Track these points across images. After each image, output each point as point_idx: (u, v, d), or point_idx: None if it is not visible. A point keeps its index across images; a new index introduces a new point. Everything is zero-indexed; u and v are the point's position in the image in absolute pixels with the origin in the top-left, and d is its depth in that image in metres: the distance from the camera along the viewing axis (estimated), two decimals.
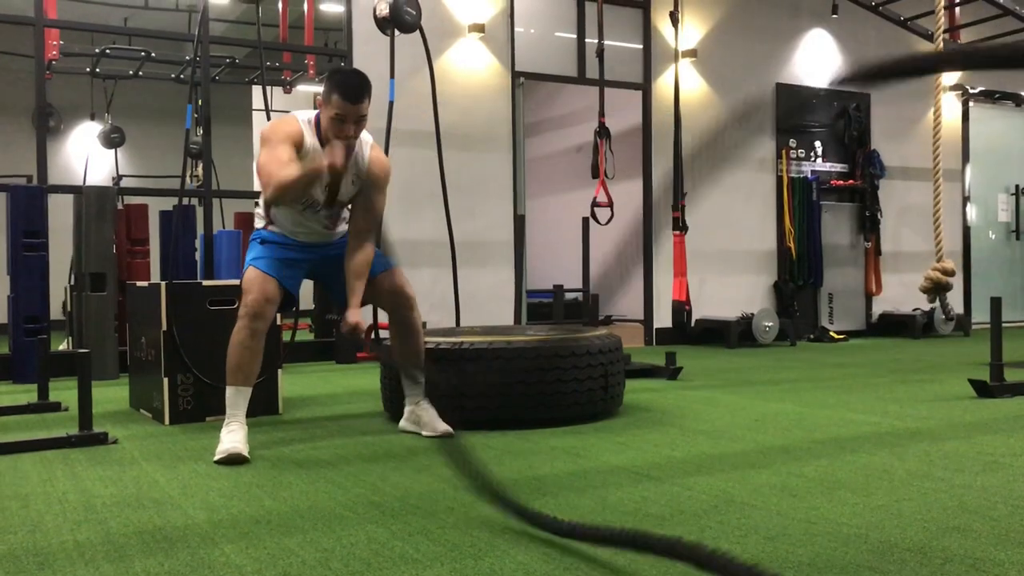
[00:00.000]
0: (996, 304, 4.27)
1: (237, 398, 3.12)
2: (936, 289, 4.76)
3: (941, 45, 4.98)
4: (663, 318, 7.49)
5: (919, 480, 2.55)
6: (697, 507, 2.29)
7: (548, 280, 8.06)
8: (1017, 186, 9.48)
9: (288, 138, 3.09)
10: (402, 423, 3.44)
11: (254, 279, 3.14)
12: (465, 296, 5.91)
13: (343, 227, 3.38)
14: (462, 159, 6.60)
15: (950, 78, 8.98)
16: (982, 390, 4.18)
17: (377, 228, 3.32)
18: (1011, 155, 9.58)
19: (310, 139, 3.14)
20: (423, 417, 3.34)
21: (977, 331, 8.33)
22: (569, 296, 7.89)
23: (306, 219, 3.26)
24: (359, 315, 3.17)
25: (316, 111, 3.21)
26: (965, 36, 8.41)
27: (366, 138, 3.27)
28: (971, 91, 9.11)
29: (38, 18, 5.66)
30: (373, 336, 6.00)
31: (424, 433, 3.30)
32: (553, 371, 3.45)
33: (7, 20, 6.13)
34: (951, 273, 4.73)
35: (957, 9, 8.07)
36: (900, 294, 8.48)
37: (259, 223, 3.33)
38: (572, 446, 3.11)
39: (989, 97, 9.28)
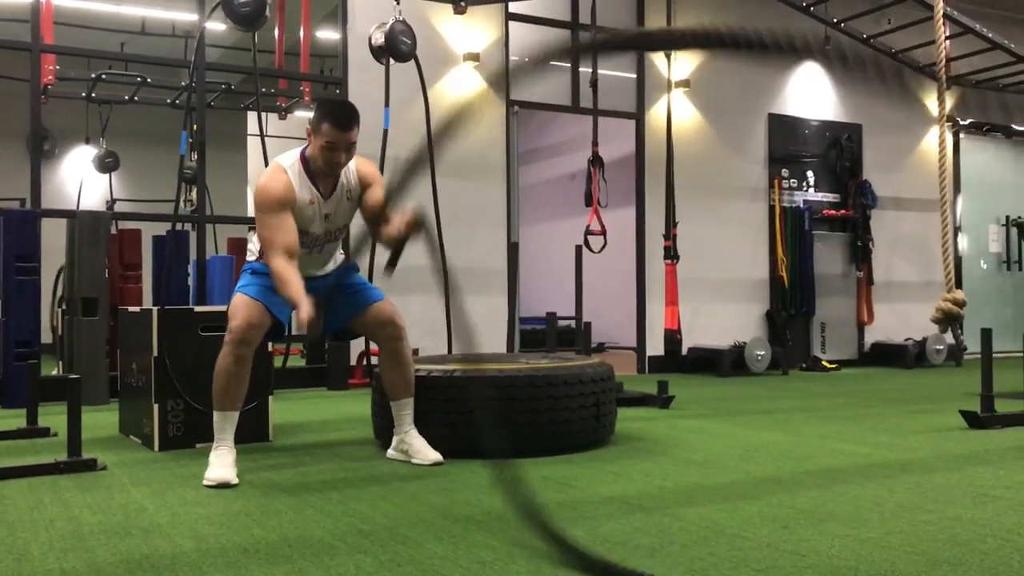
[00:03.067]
0: (987, 335, 4.29)
1: (224, 423, 3.13)
2: (948, 319, 4.77)
3: (944, 78, 5.01)
4: (656, 346, 7.49)
5: (909, 512, 2.54)
6: (687, 538, 2.28)
7: (541, 307, 8.06)
8: (1008, 217, 9.54)
9: (280, 203, 3.14)
10: (390, 452, 3.44)
11: (240, 305, 3.16)
12: (458, 323, 5.91)
13: (336, 259, 3.46)
14: (456, 187, 6.62)
15: None
16: (973, 421, 4.18)
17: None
18: (1001, 186, 9.65)
19: (298, 185, 3.21)
20: (414, 445, 3.34)
21: (968, 361, 8.33)
22: (562, 324, 7.89)
23: (304, 257, 3.29)
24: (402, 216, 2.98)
25: (300, 149, 3.27)
26: (955, 68, 8.49)
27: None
28: (962, 123, 9.19)
29: (35, 43, 5.68)
30: (366, 362, 6.00)
31: (414, 461, 3.30)
32: (545, 399, 3.44)
33: (4, 45, 6.16)
34: (962, 304, 4.74)
35: (947, 42, 8.15)
36: (892, 324, 8.51)
37: (251, 256, 3.36)
38: (564, 476, 3.10)
39: (979, 129, 9.36)
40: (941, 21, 4.99)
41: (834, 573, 1.99)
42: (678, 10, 7.56)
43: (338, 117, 3.15)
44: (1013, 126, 9.48)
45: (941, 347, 8.23)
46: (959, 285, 9.17)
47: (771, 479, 3.05)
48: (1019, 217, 9.55)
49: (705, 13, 7.89)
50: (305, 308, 2.91)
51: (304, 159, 3.24)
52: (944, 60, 4.99)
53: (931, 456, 3.48)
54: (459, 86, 6.83)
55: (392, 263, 2.99)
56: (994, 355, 4.30)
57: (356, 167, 3.35)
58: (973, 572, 1.99)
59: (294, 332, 3.48)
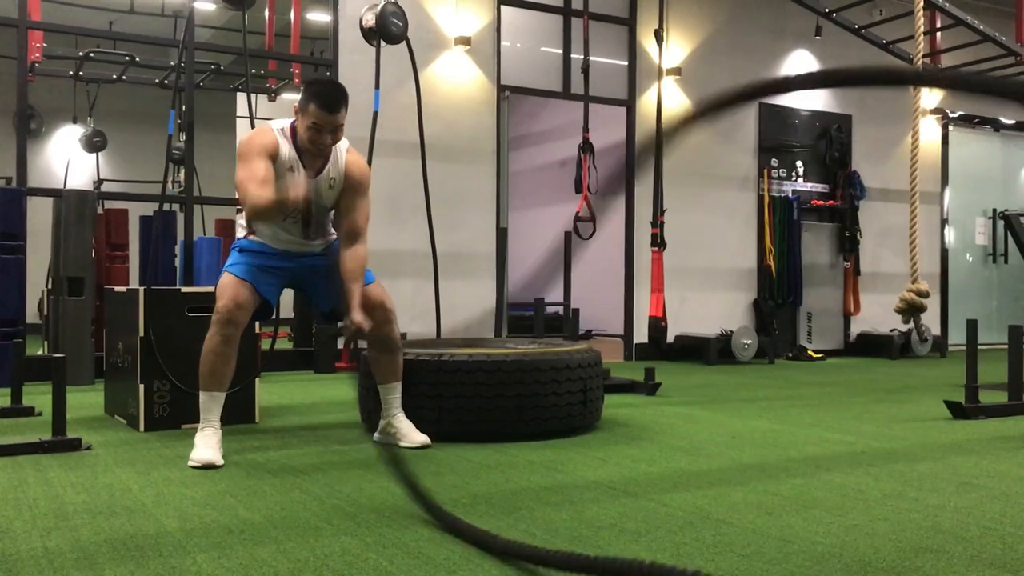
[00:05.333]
0: (972, 326, 4.31)
1: (211, 404, 3.12)
2: (911, 310, 4.80)
3: (920, 68, 5.04)
4: (643, 334, 7.50)
5: (893, 500, 2.56)
6: (673, 523, 2.29)
7: (530, 293, 8.06)
8: (995, 210, 9.57)
9: (263, 151, 3.12)
10: (376, 436, 3.43)
11: (227, 284, 3.15)
12: (446, 308, 5.91)
13: (325, 238, 3.42)
14: (446, 171, 6.60)
15: (930, 101, 9.08)
16: (957, 411, 4.21)
17: (364, 231, 3.31)
18: (989, 179, 9.68)
19: (285, 148, 3.19)
20: (401, 428, 3.33)
21: (953, 353, 8.39)
22: (550, 310, 7.89)
23: (288, 229, 3.27)
24: (361, 315, 3.14)
25: (291, 120, 3.24)
26: (946, 61, 8.51)
27: (342, 143, 3.29)
28: (951, 115, 9.21)
29: (21, 20, 5.62)
30: (353, 346, 5.98)
31: (401, 444, 3.29)
32: (532, 385, 3.44)
33: None
34: (926, 295, 4.77)
35: (938, 34, 8.17)
36: (878, 314, 8.54)
37: (240, 233, 3.35)
38: (550, 460, 3.10)
39: (968, 122, 9.38)
40: (920, 10, 5.02)
41: (818, 559, 2.00)
42: None
43: (325, 99, 3.12)
44: (1001, 119, 9.51)
45: (927, 338, 8.27)
46: (945, 277, 9.23)
47: (756, 466, 3.07)
48: (1006, 210, 9.59)
49: (696, 1, 7.88)
50: (293, 191, 3.02)
51: (293, 131, 3.22)
52: (922, 49, 5.01)
53: (915, 445, 3.50)
54: (450, 70, 6.80)
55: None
56: (979, 346, 4.32)
57: (347, 160, 3.29)
58: (956, 559, 2.00)
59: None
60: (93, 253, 5.42)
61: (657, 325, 7.19)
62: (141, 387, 3.65)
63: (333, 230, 3.44)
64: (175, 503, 2.46)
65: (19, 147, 5.61)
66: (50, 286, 5.65)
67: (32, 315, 6.13)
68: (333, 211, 3.39)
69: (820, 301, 8.37)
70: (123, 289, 4.09)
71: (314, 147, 3.17)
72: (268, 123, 3.27)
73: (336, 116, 3.13)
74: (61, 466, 2.93)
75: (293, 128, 3.22)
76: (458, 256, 6.67)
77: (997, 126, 9.58)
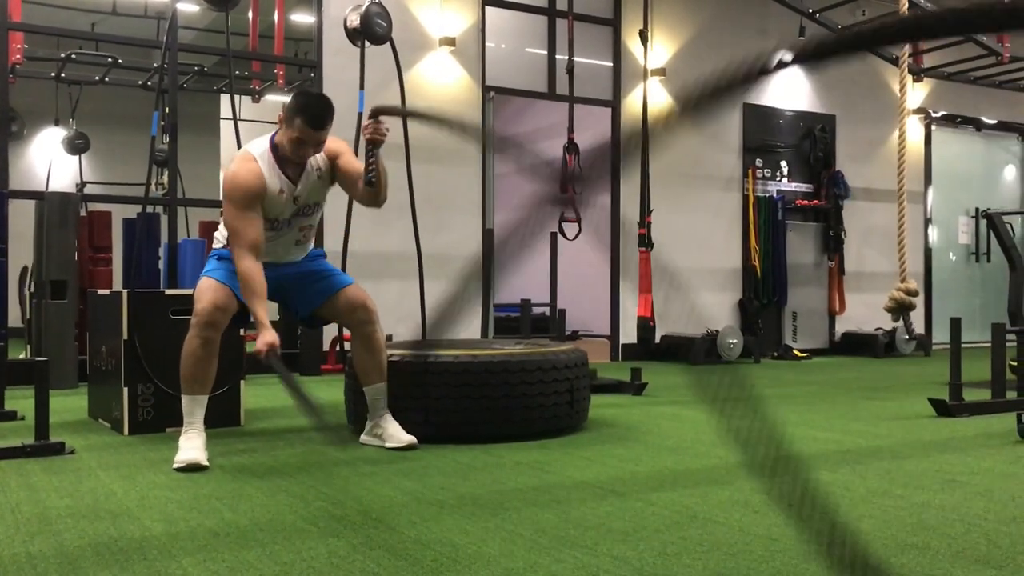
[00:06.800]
0: (956, 325, 4.33)
1: (193, 406, 3.11)
2: (900, 309, 4.82)
3: (906, 70, 5.07)
4: (629, 334, 7.51)
5: (879, 497, 2.57)
6: (660, 523, 2.29)
7: (516, 294, 8.05)
8: (977, 209, 9.64)
9: (251, 196, 3.13)
10: (363, 437, 3.42)
11: (205, 288, 3.15)
12: (432, 310, 5.89)
13: (307, 247, 3.43)
14: (431, 172, 6.59)
15: (913, 101, 9.13)
16: (942, 409, 4.23)
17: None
18: (972, 178, 9.75)
19: (270, 175, 3.20)
20: (387, 429, 3.33)
21: (937, 351, 8.43)
22: (537, 311, 7.89)
23: (271, 241, 3.27)
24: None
25: (270, 136, 3.26)
26: (928, 60, 8.56)
27: None
28: (933, 115, 9.26)
29: (1, 21, 5.58)
30: (339, 348, 5.96)
31: (387, 445, 3.29)
32: (519, 386, 3.44)
33: None
34: (914, 293, 4.79)
35: None
36: (863, 314, 8.58)
37: (217, 244, 3.35)
38: (537, 461, 3.10)
39: (951, 121, 9.44)
40: (904, 11, 5.05)
41: (805, 557, 2.00)
42: None
43: (312, 115, 3.13)
44: (983, 119, 9.57)
45: (915, 336, 8.30)
46: (928, 276, 9.28)
47: (743, 465, 3.07)
48: (988, 209, 9.66)
49: (680, 2, 7.90)
50: (266, 335, 2.95)
51: (274, 145, 3.22)
52: (907, 50, 5.04)
53: (900, 443, 3.51)
54: (435, 71, 6.79)
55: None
56: (962, 345, 4.35)
57: (325, 149, 3.32)
58: (941, 556, 2.01)
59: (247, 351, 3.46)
60: (76, 256, 5.38)
61: (645, 325, 7.21)
62: (125, 390, 3.63)
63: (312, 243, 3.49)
64: (160, 506, 2.45)
65: (0, 150, 5.57)
66: (32, 289, 5.60)
67: (14, 319, 6.08)
68: (317, 213, 3.41)
69: (805, 300, 8.40)
70: (106, 292, 4.06)
71: (296, 157, 3.20)
72: (248, 149, 3.24)
73: (321, 133, 3.17)
74: (44, 470, 2.91)
75: (273, 143, 3.22)
76: (444, 258, 6.66)
77: (979, 126, 9.63)
